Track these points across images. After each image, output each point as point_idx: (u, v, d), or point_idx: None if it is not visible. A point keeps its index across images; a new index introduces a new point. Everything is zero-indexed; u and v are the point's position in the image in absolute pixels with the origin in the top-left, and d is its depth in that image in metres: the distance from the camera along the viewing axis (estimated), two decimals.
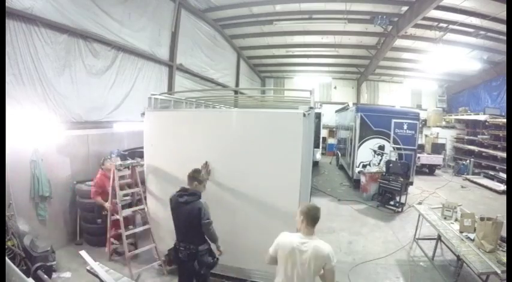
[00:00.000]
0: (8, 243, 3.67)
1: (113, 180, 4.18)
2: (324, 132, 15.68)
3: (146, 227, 4.46)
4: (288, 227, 2.95)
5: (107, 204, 4.37)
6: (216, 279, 4.04)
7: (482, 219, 3.80)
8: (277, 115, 3.86)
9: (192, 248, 2.99)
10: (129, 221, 4.70)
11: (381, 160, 8.92)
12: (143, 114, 4.28)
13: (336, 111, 15.71)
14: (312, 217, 2.26)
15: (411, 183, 8.73)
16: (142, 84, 7.34)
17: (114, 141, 6.22)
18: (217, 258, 3.18)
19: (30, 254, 3.85)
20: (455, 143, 15.31)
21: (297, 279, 2.21)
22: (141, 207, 4.45)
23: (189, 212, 2.96)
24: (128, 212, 4.41)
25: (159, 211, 4.26)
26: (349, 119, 10.86)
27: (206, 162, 3.73)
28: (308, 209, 2.29)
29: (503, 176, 10.52)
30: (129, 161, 4.56)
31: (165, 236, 4.28)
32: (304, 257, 2.19)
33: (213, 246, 3.20)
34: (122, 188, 4.36)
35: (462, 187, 10.31)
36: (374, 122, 8.96)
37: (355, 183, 9.42)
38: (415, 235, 5.54)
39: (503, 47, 9.79)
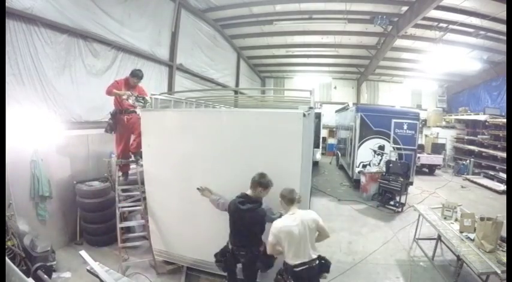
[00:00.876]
0: (8, 243, 3.67)
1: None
2: (324, 132, 15.67)
3: (141, 222, 4.57)
4: None
5: (124, 94, 4.31)
6: (216, 279, 4.04)
7: (482, 219, 3.80)
8: (277, 115, 3.85)
9: (254, 250, 3.06)
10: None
11: (380, 160, 8.91)
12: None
13: (336, 111, 15.70)
14: (288, 198, 2.81)
15: (411, 183, 8.72)
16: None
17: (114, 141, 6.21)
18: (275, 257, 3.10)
19: (30, 254, 3.86)
20: (455, 143, 15.30)
21: (303, 248, 2.74)
22: (139, 204, 4.47)
23: (251, 220, 2.98)
24: (125, 204, 4.44)
25: (157, 211, 4.27)
26: (349, 119, 10.86)
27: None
28: (284, 191, 2.84)
29: (503, 176, 10.52)
30: (130, 159, 4.60)
31: (163, 234, 4.30)
32: (301, 228, 2.72)
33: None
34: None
35: (462, 187, 10.30)
36: (374, 122, 8.96)
37: (355, 183, 9.42)
38: (415, 235, 5.54)
39: (503, 47, 9.79)
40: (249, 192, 3.05)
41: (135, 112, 4.55)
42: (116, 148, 4.52)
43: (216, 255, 3.33)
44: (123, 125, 4.52)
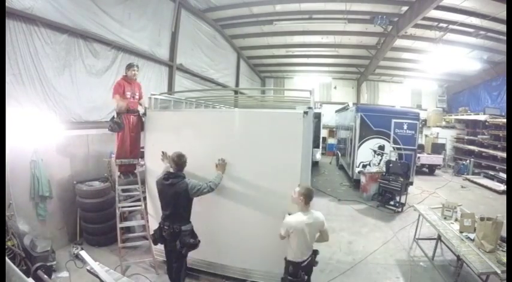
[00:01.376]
0: (8, 243, 3.67)
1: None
2: (324, 132, 15.68)
3: (141, 222, 4.58)
4: None
5: (123, 103, 4.29)
6: (216, 279, 4.04)
7: (482, 219, 3.80)
8: (277, 115, 3.86)
9: (175, 227, 3.22)
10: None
11: (380, 160, 8.91)
12: (144, 114, 4.29)
13: (336, 111, 15.70)
14: (309, 197, 2.95)
15: (411, 183, 8.72)
16: (142, 84, 7.29)
17: (114, 141, 6.18)
18: (199, 241, 3.37)
19: (30, 254, 3.86)
20: (455, 143, 15.30)
21: (305, 245, 2.96)
22: (139, 203, 4.47)
23: (175, 193, 3.22)
24: (125, 204, 4.45)
25: (158, 210, 4.26)
26: (349, 119, 10.86)
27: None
28: (307, 191, 2.95)
29: (503, 176, 10.52)
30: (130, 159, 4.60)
31: None
32: (311, 227, 2.92)
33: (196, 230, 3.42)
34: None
35: (462, 187, 10.30)
36: (374, 122, 8.96)
37: (355, 183, 9.42)
38: (415, 235, 5.54)
39: (503, 47, 9.78)
40: (171, 170, 3.39)
41: (138, 112, 4.54)
42: (118, 147, 4.48)
43: (152, 235, 3.61)
44: (127, 124, 4.50)
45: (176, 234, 3.24)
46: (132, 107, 4.48)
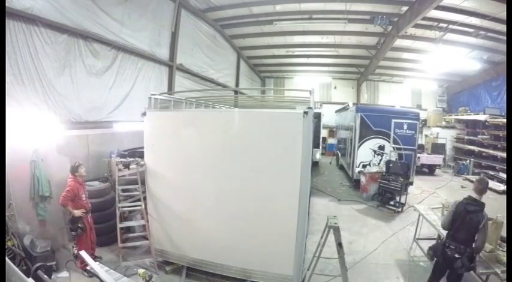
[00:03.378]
0: (8, 243, 3.68)
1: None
2: (324, 132, 15.69)
3: (141, 222, 4.58)
4: (288, 227, 2.94)
5: (78, 212, 4.14)
6: (216, 279, 4.04)
7: None
8: (277, 115, 3.86)
9: (462, 248, 3.26)
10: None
11: (380, 160, 8.92)
12: (144, 114, 4.28)
13: (336, 111, 15.71)
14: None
15: (411, 183, 8.72)
16: (142, 84, 7.35)
17: (114, 141, 6.21)
18: (473, 266, 3.35)
19: (30, 254, 3.86)
20: (455, 143, 15.30)
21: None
22: (139, 204, 4.47)
23: (472, 221, 3.22)
24: (125, 204, 4.45)
25: (158, 210, 4.27)
26: (349, 119, 10.86)
27: None
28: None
29: (503, 176, 10.53)
30: (130, 159, 4.59)
31: (163, 234, 4.30)
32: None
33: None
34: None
35: (462, 187, 10.30)
36: (374, 122, 8.97)
37: (355, 183, 9.42)
38: (415, 235, 5.53)
39: (503, 47, 9.79)
40: (475, 196, 3.35)
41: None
42: (80, 248, 3.99)
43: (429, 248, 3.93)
44: (88, 226, 4.35)
45: (461, 253, 3.25)
46: (88, 207, 4.37)
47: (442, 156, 13.28)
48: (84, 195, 4.36)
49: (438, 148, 13.83)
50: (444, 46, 10.64)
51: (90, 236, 4.38)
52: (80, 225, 4.18)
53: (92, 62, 5.74)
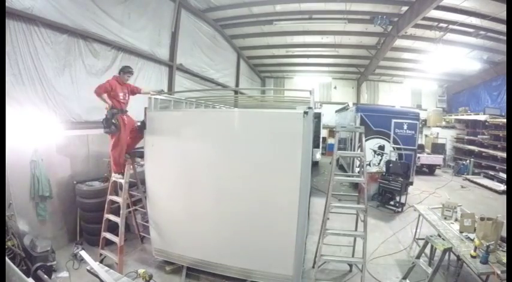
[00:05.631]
0: (8, 243, 3.68)
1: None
2: (324, 132, 15.67)
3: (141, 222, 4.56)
4: (288, 227, 2.93)
5: (110, 102, 4.11)
6: (216, 279, 4.04)
7: (482, 219, 3.80)
8: (277, 115, 3.86)
9: None
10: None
11: (380, 160, 8.92)
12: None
13: (336, 111, 15.70)
14: None
15: (411, 183, 8.72)
16: (143, 84, 7.32)
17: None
18: None
19: (30, 254, 3.86)
20: (455, 143, 15.31)
21: None
22: (139, 205, 4.47)
23: None
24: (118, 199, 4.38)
25: (158, 210, 4.27)
26: (349, 119, 10.86)
27: None
28: None
29: (503, 176, 10.52)
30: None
31: (163, 234, 4.30)
32: None
33: None
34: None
35: (462, 187, 10.30)
36: (374, 122, 8.96)
37: (355, 183, 9.41)
38: (415, 235, 5.53)
39: (503, 47, 9.78)
40: None
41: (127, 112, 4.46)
42: (113, 150, 4.29)
43: None
44: (123, 125, 4.46)
45: None
46: (124, 108, 4.39)
47: (442, 156, 13.28)
48: (122, 96, 4.27)
49: (438, 148, 13.84)
50: (444, 46, 10.64)
51: (125, 138, 4.28)
52: (114, 121, 4.09)
53: (92, 62, 5.74)
